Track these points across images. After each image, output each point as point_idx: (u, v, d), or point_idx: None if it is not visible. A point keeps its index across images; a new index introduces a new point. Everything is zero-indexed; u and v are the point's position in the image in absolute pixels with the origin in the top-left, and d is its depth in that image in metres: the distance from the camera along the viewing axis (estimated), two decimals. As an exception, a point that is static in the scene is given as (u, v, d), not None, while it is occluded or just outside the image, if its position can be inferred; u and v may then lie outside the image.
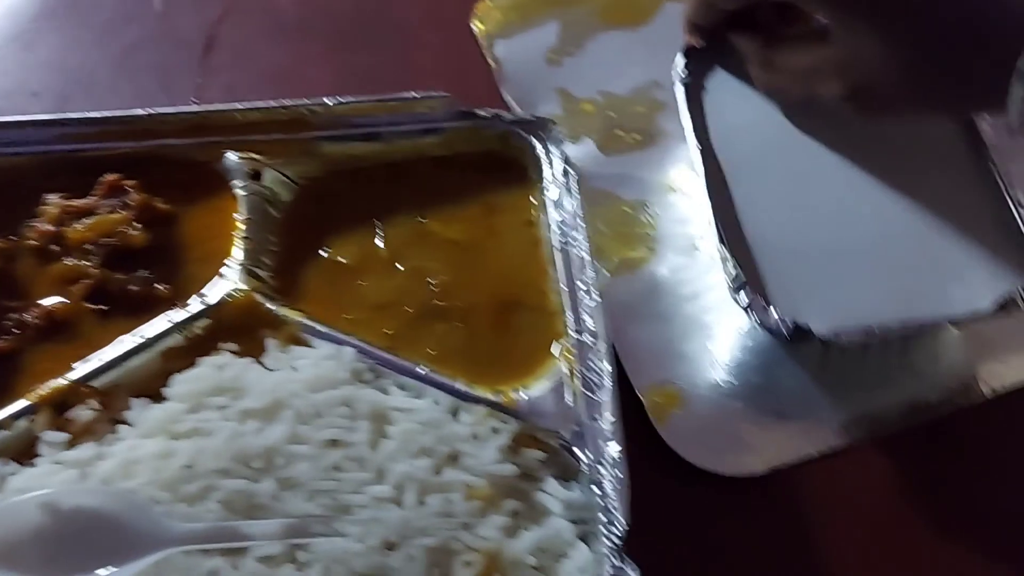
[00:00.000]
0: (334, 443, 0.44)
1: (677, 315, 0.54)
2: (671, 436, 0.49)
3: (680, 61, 0.55)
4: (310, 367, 0.46)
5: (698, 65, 0.55)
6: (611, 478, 0.42)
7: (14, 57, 0.66)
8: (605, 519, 0.41)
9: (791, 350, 0.52)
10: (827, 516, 0.47)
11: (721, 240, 0.48)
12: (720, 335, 0.53)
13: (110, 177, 0.51)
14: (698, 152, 0.51)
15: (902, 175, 0.51)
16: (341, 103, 0.53)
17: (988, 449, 0.50)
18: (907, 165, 0.52)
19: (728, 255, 0.47)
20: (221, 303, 0.48)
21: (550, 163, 0.52)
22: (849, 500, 0.48)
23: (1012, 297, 0.46)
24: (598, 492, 0.42)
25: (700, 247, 0.55)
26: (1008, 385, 0.51)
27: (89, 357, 0.46)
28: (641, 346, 0.52)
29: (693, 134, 0.52)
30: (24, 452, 0.44)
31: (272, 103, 0.53)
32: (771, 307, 0.46)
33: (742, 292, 0.47)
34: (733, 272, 0.47)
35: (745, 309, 0.47)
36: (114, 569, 0.40)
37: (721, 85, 0.55)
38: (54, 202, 0.50)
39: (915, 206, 0.50)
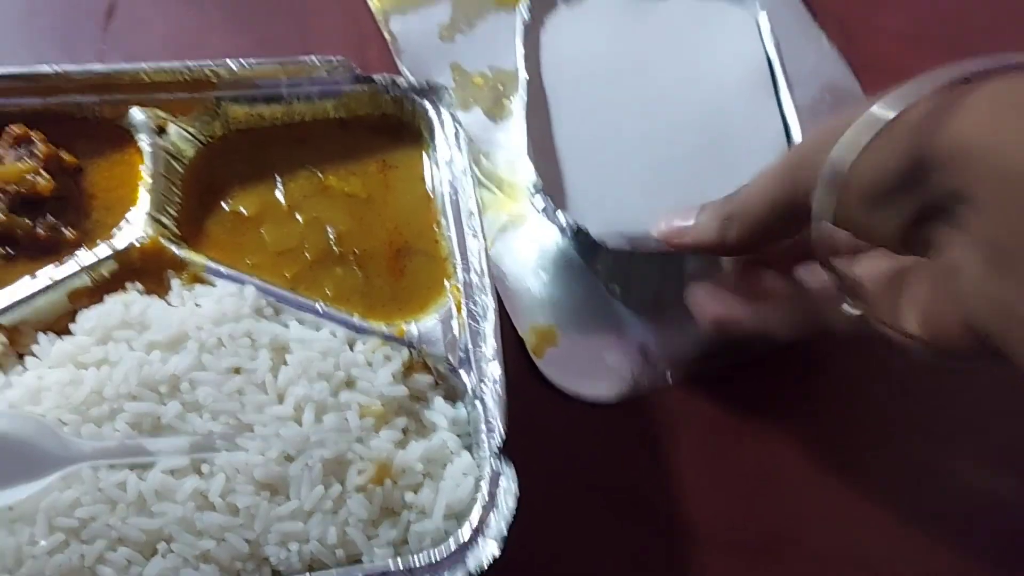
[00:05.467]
0: (236, 371, 0.47)
1: (553, 264, 0.59)
2: (548, 368, 0.54)
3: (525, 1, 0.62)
4: (213, 303, 0.49)
5: (540, 4, 0.62)
6: (492, 395, 0.47)
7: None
8: (486, 429, 0.46)
9: (588, 265, 0.59)
10: (675, 431, 0.54)
11: (528, 152, 0.55)
12: (590, 277, 0.58)
13: (16, 128, 0.52)
14: (525, 76, 0.59)
15: (706, 108, 0.59)
16: (244, 66, 0.56)
17: (823, 375, 0.57)
18: (713, 96, 0.60)
19: (533, 164, 0.54)
20: (127, 247, 0.51)
21: (442, 125, 0.57)
22: (694, 419, 0.54)
23: None
24: (480, 408, 0.47)
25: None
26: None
27: (-4, 296, 0.48)
28: (522, 291, 0.57)
29: (523, 61, 0.59)
30: (-70, 383, 0.46)
31: (177, 64, 0.56)
32: (559, 210, 0.53)
33: (539, 196, 0.54)
34: (535, 178, 0.54)
35: (540, 211, 0.54)
36: (23, 485, 0.43)
37: (559, 22, 0.62)
38: (-41, 152, 0.52)
39: (712, 138, 0.58)
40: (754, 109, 0.59)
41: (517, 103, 0.65)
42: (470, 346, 0.49)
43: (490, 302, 0.49)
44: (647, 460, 0.53)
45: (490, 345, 0.48)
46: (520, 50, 0.60)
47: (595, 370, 0.55)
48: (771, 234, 0.44)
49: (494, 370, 0.47)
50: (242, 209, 0.55)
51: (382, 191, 0.57)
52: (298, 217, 0.55)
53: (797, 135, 0.57)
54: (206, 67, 0.56)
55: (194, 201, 0.55)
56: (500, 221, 0.60)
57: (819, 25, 0.70)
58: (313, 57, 0.57)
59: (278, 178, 0.56)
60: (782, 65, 0.61)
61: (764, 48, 0.62)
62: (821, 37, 0.69)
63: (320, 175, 0.57)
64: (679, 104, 0.59)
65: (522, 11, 0.62)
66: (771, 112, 0.59)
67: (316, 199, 0.56)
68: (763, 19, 0.63)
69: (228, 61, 0.56)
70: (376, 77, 0.58)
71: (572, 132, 0.57)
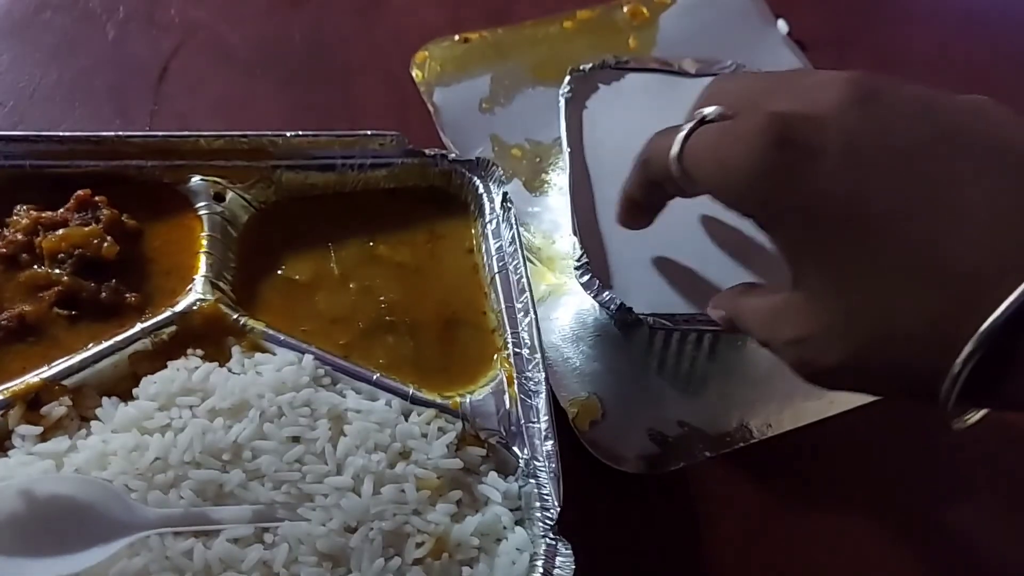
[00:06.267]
0: (296, 440, 0.48)
1: (591, 335, 0.61)
2: (591, 442, 0.56)
3: (567, 79, 0.65)
4: (273, 371, 0.50)
5: (581, 84, 0.65)
6: (545, 470, 0.48)
7: (-36, 73, 0.68)
8: (539, 505, 0.47)
9: (627, 337, 0.60)
10: (716, 507, 0.56)
11: (574, 229, 0.57)
12: (628, 349, 0.60)
13: (81, 192, 0.54)
14: (568, 154, 0.61)
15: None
16: (300, 136, 0.58)
17: (850, 456, 0.59)
18: None
19: (578, 242, 0.57)
20: (188, 311, 0.52)
21: (490, 199, 0.59)
22: (732, 495, 0.56)
23: None
24: (533, 483, 0.48)
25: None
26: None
27: (61, 359, 0.50)
28: (561, 363, 0.59)
29: (566, 139, 0.62)
30: (-4, 444, 0.47)
31: (236, 133, 0.58)
32: (605, 290, 0.56)
33: (583, 272, 0.56)
34: (579, 256, 0.56)
35: (584, 287, 0.56)
36: (91, 550, 0.44)
37: (600, 103, 0.65)
38: (25, 213, 0.53)
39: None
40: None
41: (555, 176, 0.68)
42: (522, 421, 0.50)
43: (541, 378, 0.51)
44: (688, 532, 0.54)
45: (542, 421, 0.50)
46: (563, 128, 0.63)
47: (636, 443, 0.56)
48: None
49: (547, 446, 0.49)
50: (296, 275, 0.57)
51: (430, 261, 0.59)
52: (350, 285, 0.57)
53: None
54: (264, 136, 0.58)
55: (249, 266, 0.57)
56: (539, 292, 0.62)
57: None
58: (368, 131, 0.59)
59: (330, 245, 0.58)
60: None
61: None
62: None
63: (371, 243, 0.59)
64: None
65: (564, 90, 0.64)
66: None
67: (367, 267, 0.58)
68: None
69: (286, 132, 0.58)
70: (427, 151, 0.60)
71: (613, 210, 0.59)
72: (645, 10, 0.77)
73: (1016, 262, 0.34)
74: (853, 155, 0.38)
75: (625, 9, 0.77)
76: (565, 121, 0.63)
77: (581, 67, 0.66)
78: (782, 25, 0.77)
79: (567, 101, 0.64)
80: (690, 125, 0.44)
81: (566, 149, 0.62)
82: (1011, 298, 0.34)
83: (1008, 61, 0.80)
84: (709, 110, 0.44)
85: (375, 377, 0.51)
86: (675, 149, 0.44)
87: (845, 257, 0.38)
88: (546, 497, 0.47)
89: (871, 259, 0.37)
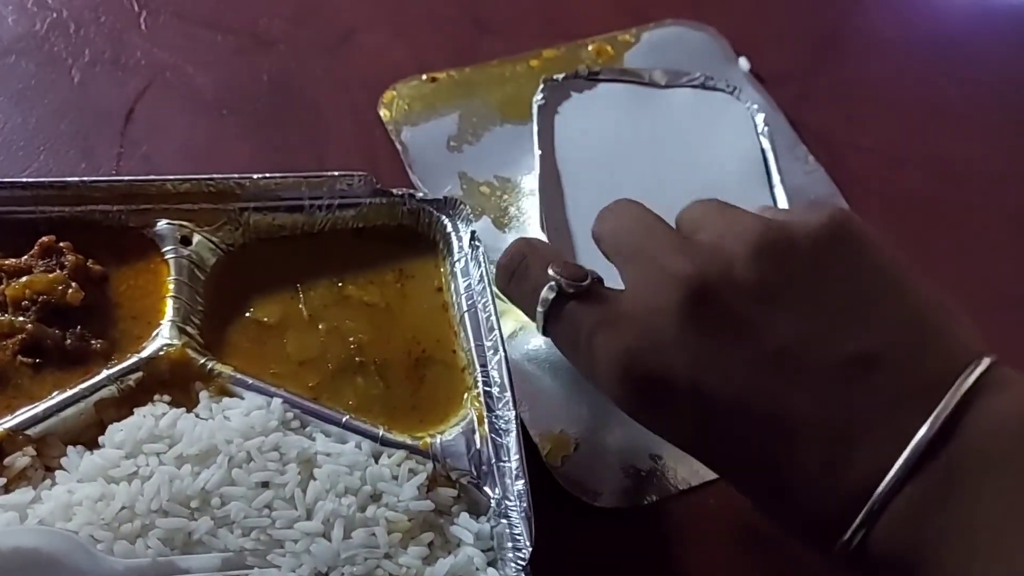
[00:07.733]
0: (265, 485, 0.48)
1: (563, 370, 0.61)
2: (564, 477, 0.56)
3: (540, 87, 0.70)
4: (241, 416, 0.50)
5: (554, 93, 0.70)
6: (517, 510, 0.48)
7: (-74, 119, 0.68)
8: (511, 545, 0.47)
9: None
10: (689, 540, 0.56)
11: (542, 226, 0.60)
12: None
13: (45, 239, 0.54)
14: (539, 156, 0.65)
15: (707, 193, 0.60)
16: (267, 178, 0.58)
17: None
18: (713, 182, 0.66)
19: (546, 236, 0.60)
20: (154, 356, 0.52)
21: (458, 238, 0.59)
22: (705, 527, 0.56)
23: None
24: (505, 523, 0.48)
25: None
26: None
27: (24, 408, 0.49)
28: (536, 398, 0.59)
29: (538, 142, 0.66)
30: (-43, 497, 0.46)
31: (203, 176, 0.58)
32: None
33: None
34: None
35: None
36: (55, 605, 0.43)
37: (572, 110, 0.70)
38: (-12, 261, 0.53)
39: None
40: (750, 198, 0.62)
41: (525, 203, 0.68)
42: (493, 460, 0.50)
43: (511, 416, 0.51)
44: (662, 566, 0.54)
45: (513, 460, 0.50)
46: (535, 132, 0.65)
47: (609, 478, 0.56)
48: None
49: (518, 485, 0.49)
50: (264, 318, 0.56)
51: (399, 300, 0.59)
52: (319, 326, 0.56)
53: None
54: (230, 179, 0.58)
55: (217, 309, 0.56)
56: (511, 327, 0.62)
57: (804, 144, 0.74)
58: (335, 172, 0.59)
59: (298, 286, 0.58)
60: (776, 159, 0.67)
61: (759, 142, 0.68)
62: (807, 156, 0.73)
63: (339, 283, 0.59)
64: (682, 187, 0.64)
65: (537, 98, 0.69)
66: (765, 201, 0.64)
67: (336, 308, 0.58)
68: (759, 118, 0.69)
69: (253, 175, 0.58)
70: (395, 190, 0.60)
71: (583, 210, 0.61)
72: (610, 48, 0.78)
73: (846, 515, 0.39)
74: (697, 389, 0.42)
75: (590, 48, 0.78)
76: (537, 126, 0.66)
77: (555, 77, 0.70)
78: (743, 63, 0.78)
79: (540, 108, 0.68)
80: (550, 297, 0.48)
81: (537, 152, 0.66)
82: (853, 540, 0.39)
83: (971, 93, 0.82)
84: (560, 279, 0.47)
85: (344, 419, 0.51)
86: (539, 321, 0.49)
87: (715, 467, 0.46)
88: (518, 537, 0.47)
89: (734, 478, 0.45)
